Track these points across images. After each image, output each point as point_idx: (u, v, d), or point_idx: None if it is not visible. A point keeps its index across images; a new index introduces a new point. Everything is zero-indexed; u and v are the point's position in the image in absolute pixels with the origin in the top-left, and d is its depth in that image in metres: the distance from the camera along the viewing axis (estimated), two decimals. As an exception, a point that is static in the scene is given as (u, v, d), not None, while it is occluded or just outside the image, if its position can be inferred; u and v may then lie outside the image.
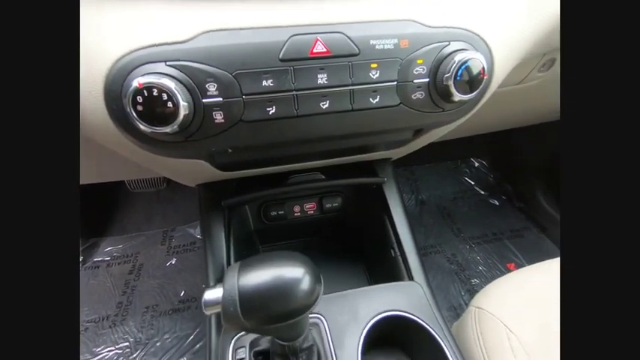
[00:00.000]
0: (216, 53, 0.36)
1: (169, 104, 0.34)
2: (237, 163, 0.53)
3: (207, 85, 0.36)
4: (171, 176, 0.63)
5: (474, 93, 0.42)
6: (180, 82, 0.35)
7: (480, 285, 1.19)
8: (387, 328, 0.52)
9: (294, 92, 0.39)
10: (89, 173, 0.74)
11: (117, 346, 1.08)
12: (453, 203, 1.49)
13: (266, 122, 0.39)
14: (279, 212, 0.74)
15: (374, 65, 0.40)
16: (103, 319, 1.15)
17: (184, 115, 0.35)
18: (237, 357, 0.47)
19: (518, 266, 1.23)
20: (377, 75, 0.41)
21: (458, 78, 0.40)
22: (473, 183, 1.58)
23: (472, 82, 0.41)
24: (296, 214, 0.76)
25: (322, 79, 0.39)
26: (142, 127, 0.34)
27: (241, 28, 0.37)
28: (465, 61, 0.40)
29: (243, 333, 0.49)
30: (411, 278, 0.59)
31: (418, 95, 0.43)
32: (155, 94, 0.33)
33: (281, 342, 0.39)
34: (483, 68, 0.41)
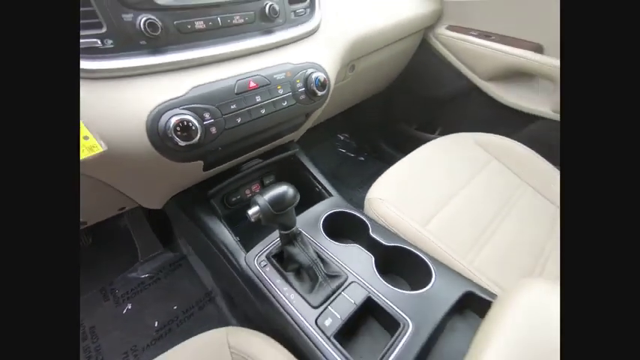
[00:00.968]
0: (204, 97, 0.64)
1: (193, 127, 0.62)
2: (218, 159, 0.83)
3: (204, 114, 0.64)
4: (160, 188, 0.87)
5: (325, 90, 0.86)
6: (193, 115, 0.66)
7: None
8: (336, 221, 0.90)
9: (247, 108, 0.71)
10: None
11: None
12: (338, 168, 2.07)
13: (237, 127, 0.72)
14: (237, 197, 1.03)
15: (279, 87, 0.76)
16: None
17: (200, 132, 0.65)
18: (262, 265, 0.78)
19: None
20: (281, 91, 0.77)
21: (316, 84, 0.83)
22: (344, 151, 2.21)
23: (322, 85, 0.84)
24: (248, 195, 1.07)
25: (257, 99, 0.72)
26: (181, 142, 0.63)
27: (212, 82, 0.68)
28: (317, 76, 0.83)
29: (262, 256, 0.79)
30: (330, 195, 1.03)
31: (302, 97, 0.84)
32: (185, 124, 0.62)
33: (284, 232, 0.75)
34: (325, 78, 0.86)
